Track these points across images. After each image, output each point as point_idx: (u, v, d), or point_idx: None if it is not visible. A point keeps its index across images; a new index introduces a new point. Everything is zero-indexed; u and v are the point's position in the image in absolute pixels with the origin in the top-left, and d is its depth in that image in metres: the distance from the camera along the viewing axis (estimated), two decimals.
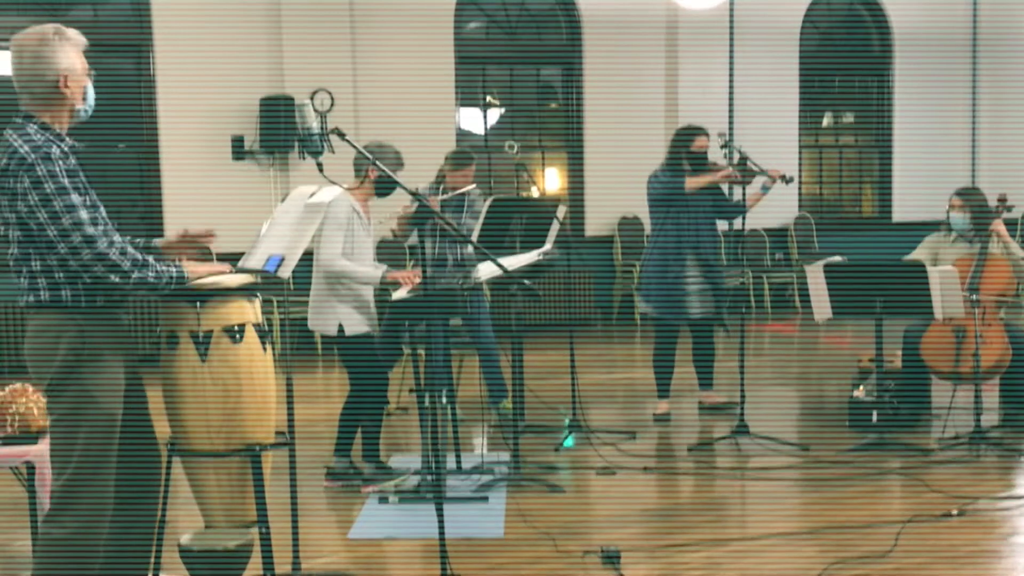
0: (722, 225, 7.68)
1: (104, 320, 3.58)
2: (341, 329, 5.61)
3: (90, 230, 3.43)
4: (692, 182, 7.00)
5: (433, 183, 7.15)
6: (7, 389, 4.50)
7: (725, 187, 7.09)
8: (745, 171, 6.94)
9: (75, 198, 3.44)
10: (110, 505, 3.57)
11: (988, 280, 6.59)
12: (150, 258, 3.57)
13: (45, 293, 3.50)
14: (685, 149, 7.12)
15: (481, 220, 6.73)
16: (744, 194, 6.99)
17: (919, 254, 6.93)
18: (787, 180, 7.11)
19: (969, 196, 6.91)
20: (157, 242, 3.90)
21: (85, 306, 3.52)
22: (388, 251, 10.32)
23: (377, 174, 5.63)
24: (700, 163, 7.10)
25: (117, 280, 3.49)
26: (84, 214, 3.43)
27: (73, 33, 3.61)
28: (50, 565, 3.53)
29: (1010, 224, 11.23)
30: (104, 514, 3.55)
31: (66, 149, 3.51)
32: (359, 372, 5.73)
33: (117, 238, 3.50)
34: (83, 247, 3.42)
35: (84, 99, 3.62)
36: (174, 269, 3.61)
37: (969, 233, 6.83)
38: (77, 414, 3.50)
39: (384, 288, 5.91)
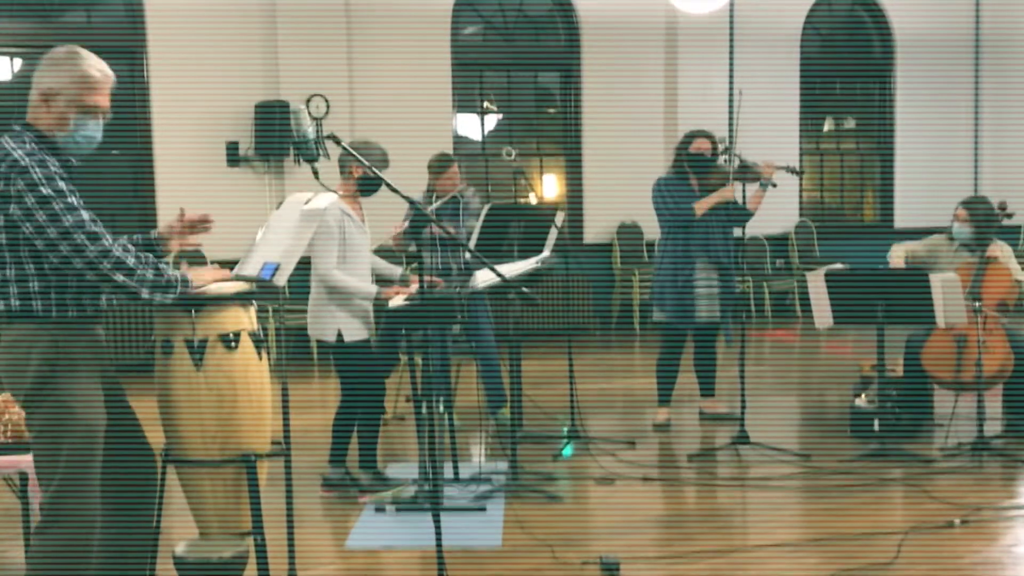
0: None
1: (78, 332, 3.53)
2: (340, 336, 5.56)
3: (93, 228, 3.41)
4: (700, 206, 6.97)
5: (425, 193, 7.12)
6: None
7: (737, 193, 7.05)
8: (747, 174, 6.94)
9: (74, 200, 3.43)
10: (98, 515, 3.53)
11: (989, 287, 6.55)
12: (151, 256, 3.54)
13: (15, 301, 3.45)
14: (685, 152, 7.09)
15: (479, 227, 6.69)
16: (744, 196, 6.95)
17: (915, 246, 6.93)
18: (793, 171, 7.08)
19: (975, 208, 6.87)
20: (155, 233, 3.88)
21: (56, 318, 3.47)
22: (388, 261, 10.25)
23: (361, 172, 5.58)
24: (701, 166, 7.07)
25: (122, 278, 3.44)
26: (85, 214, 3.43)
27: (87, 64, 3.54)
28: None
29: (1011, 232, 11.25)
30: (93, 524, 3.51)
31: (58, 163, 3.48)
32: (356, 380, 5.68)
33: (119, 239, 3.48)
34: (87, 245, 3.39)
35: (65, 127, 3.53)
36: (178, 272, 3.59)
37: (972, 244, 6.80)
38: (56, 427, 3.46)
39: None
